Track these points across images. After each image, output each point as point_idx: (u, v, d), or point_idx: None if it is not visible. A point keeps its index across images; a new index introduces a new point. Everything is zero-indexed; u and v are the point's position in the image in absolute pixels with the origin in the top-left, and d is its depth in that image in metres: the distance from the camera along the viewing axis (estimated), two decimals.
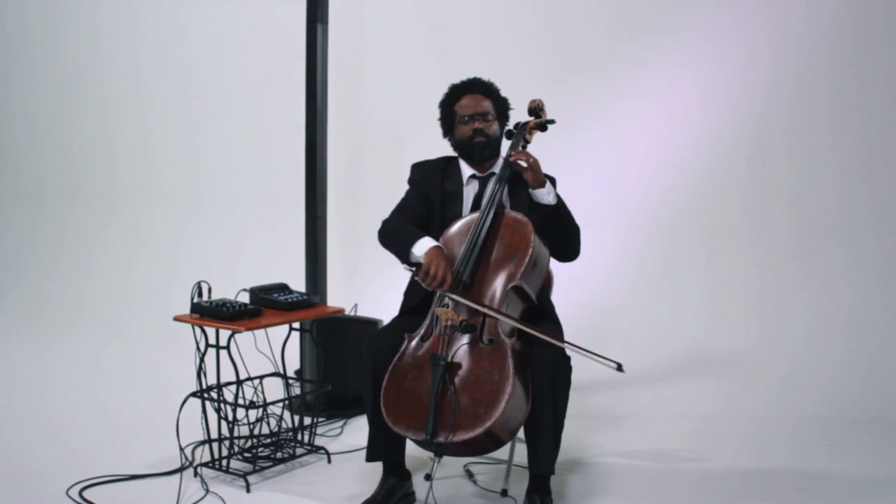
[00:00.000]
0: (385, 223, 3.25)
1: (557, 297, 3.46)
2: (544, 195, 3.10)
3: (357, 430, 3.94)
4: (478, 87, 3.29)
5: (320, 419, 3.97)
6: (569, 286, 4.25)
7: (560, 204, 3.14)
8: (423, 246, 3.05)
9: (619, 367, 2.82)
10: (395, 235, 3.17)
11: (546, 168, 3.31)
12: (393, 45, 5.66)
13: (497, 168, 3.26)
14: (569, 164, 4.90)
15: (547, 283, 3.36)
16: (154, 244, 6.45)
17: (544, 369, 2.93)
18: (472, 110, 3.24)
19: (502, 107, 3.31)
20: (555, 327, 3.20)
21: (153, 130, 6.56)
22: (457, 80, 3.35)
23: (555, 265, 3.31)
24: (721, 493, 3.38)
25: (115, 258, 6.56)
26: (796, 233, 5.14)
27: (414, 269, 3.04)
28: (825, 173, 5.08)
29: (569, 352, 2.99)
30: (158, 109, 6.50)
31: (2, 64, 7.15)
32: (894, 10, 4.92)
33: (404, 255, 3.11)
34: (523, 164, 3.06)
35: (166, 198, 6.51)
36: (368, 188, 5.65)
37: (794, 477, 3.52)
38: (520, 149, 3.20)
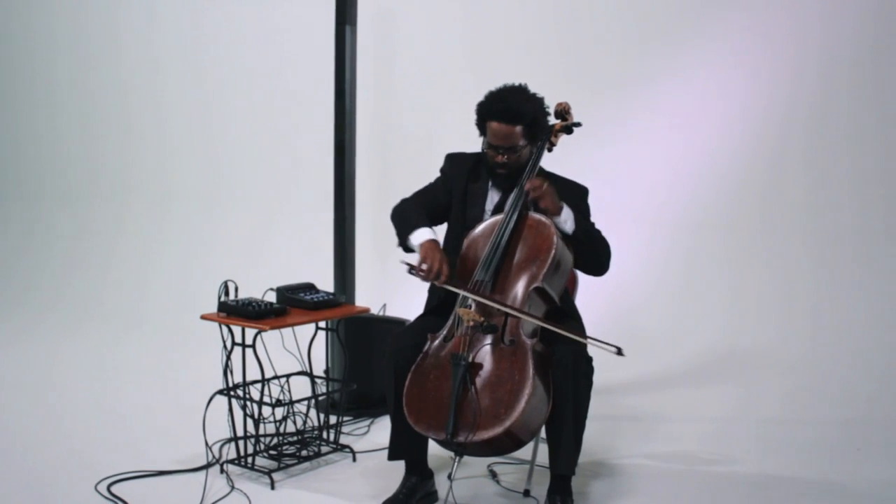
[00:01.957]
0: (401, 202, 3.27)
1: (583, 299, 3.46)
2: (562, 223, 3.06)
3: (383, 430, 3.91)
4: (508, 116, 3.07)
5: (347, 418, 4.00)
6: (593, 288, 4.23)
7: (577, 232, 3.07)
8: (419, 237, 3.08)
9: (619, 352, 2.82)
10: (401, 218, 3.20)
11: (574, 173, 3.30)
12: (424, 47, 5.69)
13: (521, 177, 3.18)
14: (595, 170, 4.91)
15: (570, 286, 3.35)
16: (183, 243, 6.54)
17: (565, 369, 2.92)
18: (500, 142, 3.09)
19: (535, 129, 3.13)
20: (578, 326, 3.19)
21: (183, 131, 6.65)
22: (491, 85, 3.18)
23: None
24: (744, 495, 3.36)
25: (145, 257, 6.66)
26: (816, 237, 5.15)
27: (408, 265, 3.03)
28: (844, 179, 5.11)
29: (590, 349, 2.99)
30: (188, 111, 6.59)
31: (28, 68, 7.30)
32: None
33: (403, 241, 3.15)
34: (536, 193, 3.01)
35: (197, 197, 6.60)
36: (398, 189, 5.56)
37: (818, 480, 3.49)
38: (533, 177, 3.08)
